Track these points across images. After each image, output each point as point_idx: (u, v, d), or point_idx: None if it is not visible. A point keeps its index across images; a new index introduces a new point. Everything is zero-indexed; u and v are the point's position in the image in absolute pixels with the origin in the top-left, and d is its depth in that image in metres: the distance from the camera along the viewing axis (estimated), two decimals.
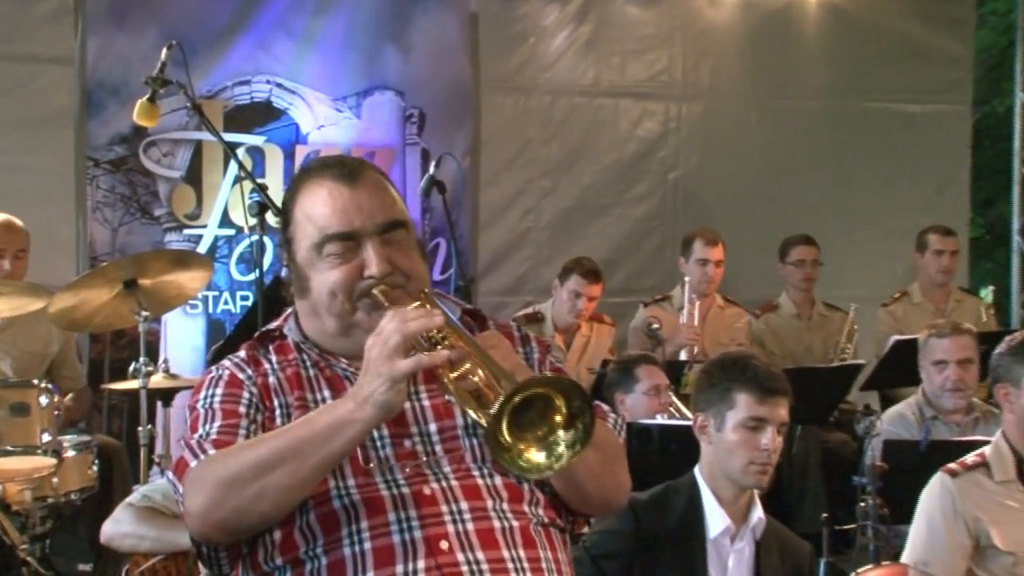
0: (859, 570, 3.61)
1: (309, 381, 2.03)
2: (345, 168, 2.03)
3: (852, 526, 4.11)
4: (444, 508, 1.90)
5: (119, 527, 3.39)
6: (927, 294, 6.40)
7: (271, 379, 2.02)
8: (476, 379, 1.82)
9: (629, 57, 7.18)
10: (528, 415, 1.75)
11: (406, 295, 1.98)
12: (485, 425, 1.77)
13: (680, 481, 3.12)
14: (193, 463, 1.90)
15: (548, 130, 7.06)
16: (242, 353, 2.08)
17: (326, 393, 2.01)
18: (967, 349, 4.64)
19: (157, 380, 4.69)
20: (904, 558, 3.40)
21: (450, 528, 1.88)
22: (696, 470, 3.11)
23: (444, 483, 1.93)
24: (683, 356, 5.75)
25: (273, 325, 2.12)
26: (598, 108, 7.15)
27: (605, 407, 2.16)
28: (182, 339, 6.16)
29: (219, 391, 2.01)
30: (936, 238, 6.34)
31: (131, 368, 4.64)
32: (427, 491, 1.91)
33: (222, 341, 5.23)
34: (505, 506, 1.93)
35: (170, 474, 1.96)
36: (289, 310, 2.14)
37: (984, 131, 10.40)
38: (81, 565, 4.79)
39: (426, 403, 2.00)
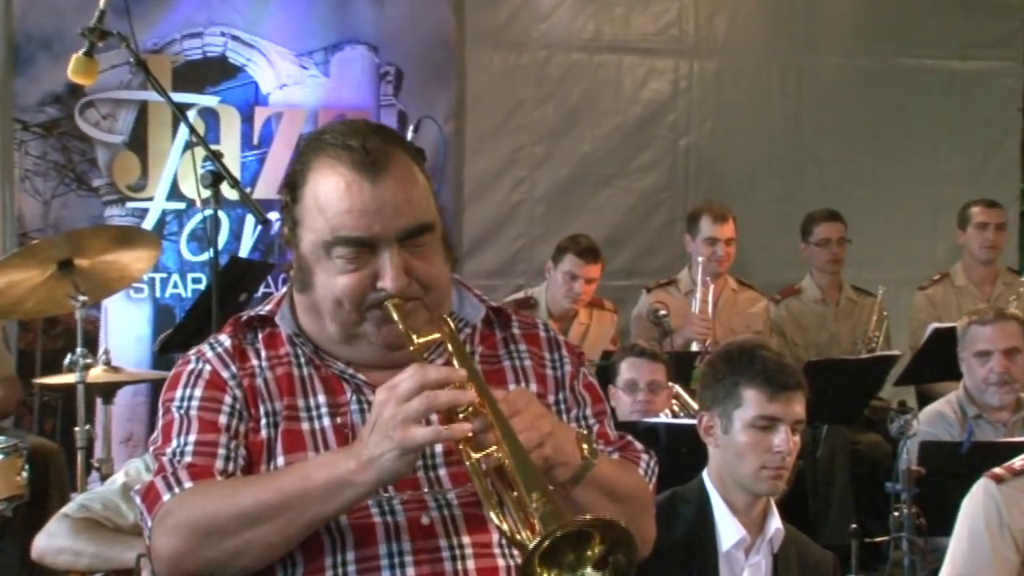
0: None
1: (302, 382, 2.02)
2: (369, 156, 1.94)
3: (885, 538, 4.12)
4: (443, 542, 1.90)
5: (53, 541, 3.38)
6: (971, 276, 6.43)
7: (258, 380, 2.01)
8: (499, 455, 1.79)
9: (634, 7, 7.17)
10: (561, 541, 1.71)
11: (421, 308, 1.97)
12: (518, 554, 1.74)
13: (688, 487, 3.13)
14: (166, 496, 1.90)
15: (542, 91, 7.05)
16: (226, 341, 2.06)
17: (320, 398, 2.00)
18: (1013, 337, 4.66)
19: (96, 374, 4.68)
20: (943, 574, 3.42)
21: (448, 566, 1.89)
22: (705, 475, 3.13)
23: (446, 512, 1.93)
24: (695, 347, 5.75)
25: (264, 310, 2.09)
26: (599, 66, 7.14)
27: (639, 446, 2.16)
28: (125, 327, 6.15)
29: (198, 393, 2.00)
30: (979, 210, 6.38)
31: (67, 360, 4.62)
32: (425, 520, 1.91)
33: (171, 330, 5.24)
34: None
35: (137, 499, 1.96)
36: (282, 292, 2.12)
37: None
38: None
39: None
